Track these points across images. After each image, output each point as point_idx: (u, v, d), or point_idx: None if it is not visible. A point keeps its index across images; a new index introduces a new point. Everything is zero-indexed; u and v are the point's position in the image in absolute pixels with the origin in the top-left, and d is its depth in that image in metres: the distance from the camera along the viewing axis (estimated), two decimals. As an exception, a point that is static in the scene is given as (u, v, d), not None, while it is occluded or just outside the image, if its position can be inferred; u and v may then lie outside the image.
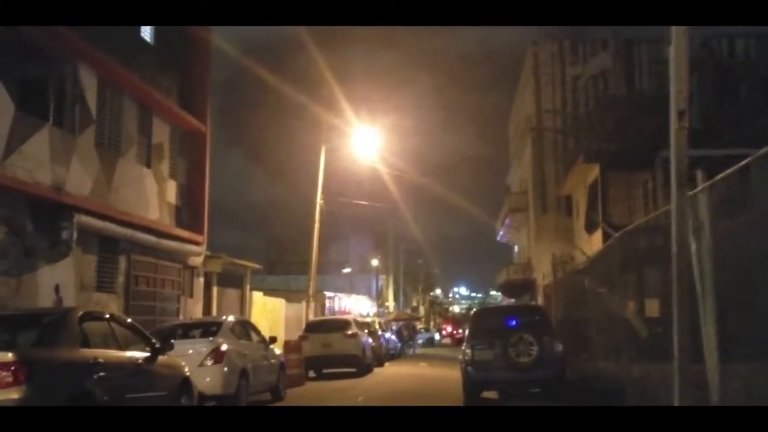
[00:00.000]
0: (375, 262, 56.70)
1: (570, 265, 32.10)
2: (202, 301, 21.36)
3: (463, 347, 13.75)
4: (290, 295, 33.21)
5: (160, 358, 8.91)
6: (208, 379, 11.22)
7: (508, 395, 13.46)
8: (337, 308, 42.16)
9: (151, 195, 18.60)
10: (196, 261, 20.90)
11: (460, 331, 74.56)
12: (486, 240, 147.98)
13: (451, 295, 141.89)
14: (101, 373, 7.29)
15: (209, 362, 11.30)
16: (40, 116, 13.84)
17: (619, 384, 10.48)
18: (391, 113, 28.51)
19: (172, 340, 10.78)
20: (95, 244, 15.60)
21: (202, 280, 21.45)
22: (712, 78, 30.54)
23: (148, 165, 18.54)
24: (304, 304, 29.13)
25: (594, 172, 28.21)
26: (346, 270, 62.79)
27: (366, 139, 27.69)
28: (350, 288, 53.52)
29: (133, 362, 8.25)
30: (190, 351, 11.32)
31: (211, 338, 11.81)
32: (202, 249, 20.80)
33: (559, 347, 12.74)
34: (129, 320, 8.99)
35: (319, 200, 26.77)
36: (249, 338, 13.33)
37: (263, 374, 13.22)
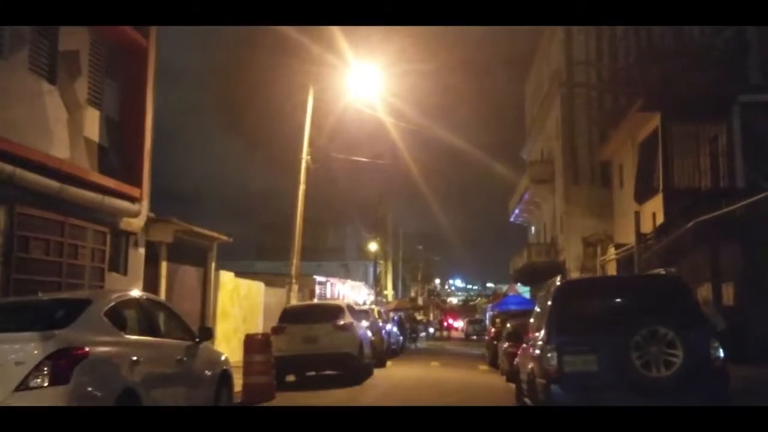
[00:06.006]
0: (373, 246, 50.84)
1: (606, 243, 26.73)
2: (143, 279, 15.62)
3: (533, 348, 8.12)
4: (274, 279, 27.46)
5: None
6: (38, 415, 5.45)
7: None
8: (329, 296, 36.45)
9: (55, 123, 12.83)
10: (134, 224, 15.19)
11: (457, 325, 69.61)
12: (485, 231, 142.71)
13: (446, 286, 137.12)
14: None
15: (42, 380, 5.49)
16: None
17: None
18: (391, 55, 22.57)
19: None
20: (-56, 182, 9.89)
21: (142, 251, 15.73)
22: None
23: (52, 80, 12.77)
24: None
25: (649, 125, 22.69)
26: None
27: (364, 80, 21.78)
28: (346, 274, 47.76)
29: None
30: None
31: (56, 331, 5.96)
32: (139, 208, 15.03)
33: (719, 349, 7.09)
34: None
35: (305, 155, 20.98)
36: (153, 332, 7.56)
37: (178, 395, 7.37)
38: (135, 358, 6.48)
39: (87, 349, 5.87)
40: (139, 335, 7.10)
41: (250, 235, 66.84)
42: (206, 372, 8.17)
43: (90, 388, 5.81)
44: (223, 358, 8.93)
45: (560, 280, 8.31)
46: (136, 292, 7.80)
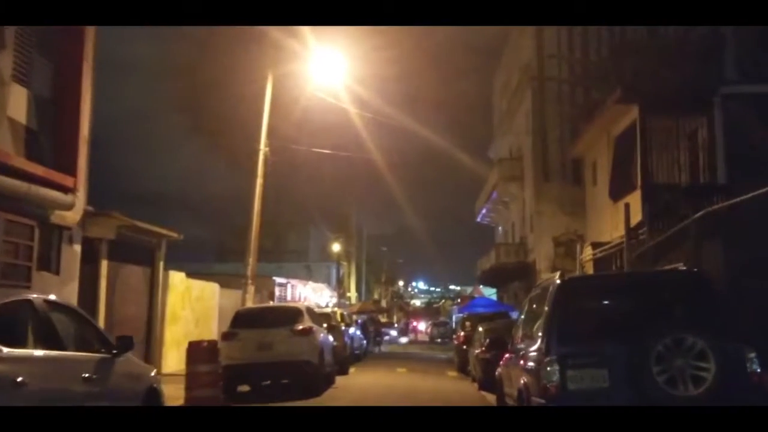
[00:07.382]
0: (336, 247, 49.31)
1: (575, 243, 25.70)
2: (79, 279, 14.01)
3: (526, 360, 6.80)
4: (231, 280, 25.81)
5: None
6: None
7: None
8: (290, 298, 34.89)
9: (-29, 100, 11.24)
10: (68, 218, 13.55)
11: (421, 327, 68.56)
12: (449, 232, 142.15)
13: (410, 288, 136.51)
14: None
15: None
16: None
17: None
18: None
19: None
20: None
21: (78, 248, 14.11)
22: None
23: (-32, 50, 11.17)
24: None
25: (626, 118, 21.59)
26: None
27: (326, 66, 20.35)
28: (308, 276, 46.18)
29: None
30: None
31: None
32: (73, 199, 13.39)
33: (755, 361, 5.85)
34: None
35: (263, 146, 19.50)
36: (53, 344, 5.88)
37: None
38: (19, 378, 4.99)
39: None
40: (30, 348, 5.59)
41: (212, 237, 64.97)
42: (126, 391, 6.65)
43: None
44: (151, 373, 7.44)
45: (560, 277, 6.93)
46: (29, 294, 6.22)
